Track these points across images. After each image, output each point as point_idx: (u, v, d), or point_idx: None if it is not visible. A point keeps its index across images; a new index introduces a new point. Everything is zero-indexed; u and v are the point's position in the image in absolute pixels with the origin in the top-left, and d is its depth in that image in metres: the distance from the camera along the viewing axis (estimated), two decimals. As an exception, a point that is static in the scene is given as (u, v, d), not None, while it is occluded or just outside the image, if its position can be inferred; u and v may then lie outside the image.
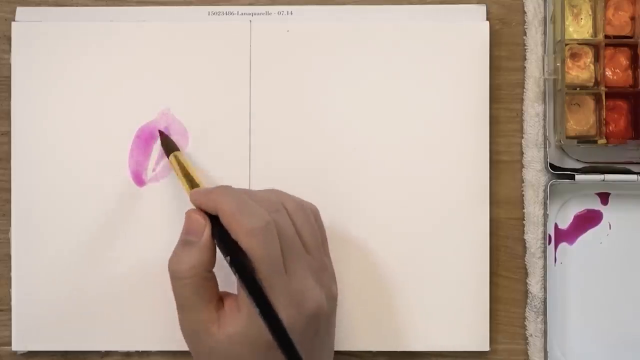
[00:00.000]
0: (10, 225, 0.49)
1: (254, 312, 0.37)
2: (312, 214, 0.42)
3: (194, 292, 0.39)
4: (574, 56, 0.48)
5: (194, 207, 0.42)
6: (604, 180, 0.48)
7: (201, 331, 0.39)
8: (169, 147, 0.48)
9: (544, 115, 0.49)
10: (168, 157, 0.47)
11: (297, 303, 0.38)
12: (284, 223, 0.39)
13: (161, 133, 0.48)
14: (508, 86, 0.50)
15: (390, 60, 0.49)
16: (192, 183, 0.44)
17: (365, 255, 0.49)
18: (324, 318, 0.40)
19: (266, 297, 0.36)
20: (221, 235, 0.39)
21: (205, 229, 0.39)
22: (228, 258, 0.38)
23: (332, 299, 0.42)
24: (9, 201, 0.49)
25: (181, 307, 0.40)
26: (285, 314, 0.37)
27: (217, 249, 0.40)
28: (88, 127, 0.49)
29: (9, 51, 0.49)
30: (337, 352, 0.48)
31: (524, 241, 0.50)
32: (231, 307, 0.39)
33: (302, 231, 0.41)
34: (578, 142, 0.48)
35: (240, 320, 0.38)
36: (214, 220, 0.40)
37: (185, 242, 0.40)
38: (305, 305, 0.39)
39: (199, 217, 0.40)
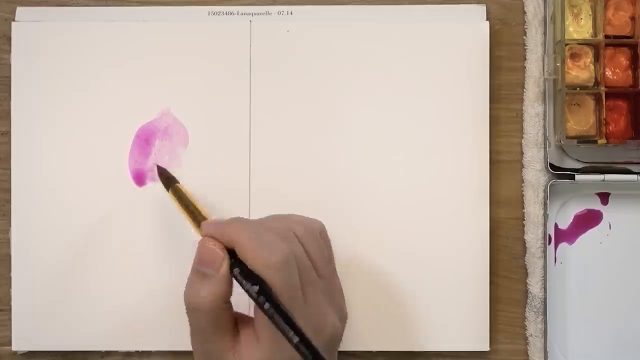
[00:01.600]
0: (10, 225, 0.49)
1: (275, 341, 0.37)
2: (319, 235, 0.42)
3: (212, 324, 0.39)
4: (574, 56, 0.48)
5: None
6: (604, 180, 0.48)
7: (216, 358, 0.39)
8: (169, 179, 0.46)
9: (544, 115, 0.49)
10: (167, 190, 0.46)
11: (316, 331, 0.39)
12: (297, 252, 0.39)
13: (158, 167, 0.47)
14: (508, 86, 0.50)
15: (390, 60, 0.49)
16: (195, 214, 0.43)
17: (365, 256, 0.49)
18: (338, 339, 0.41)
19: (295, 322, 0.36)
20: (241, 267, 0.38)
21: (223, 262, 0.38)
22: (256, 287, 0.37)
23: (343, 319, 0.42)
24: (9, 201, 0.49)
25: (197, 336, 0.39)
26: None
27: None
28: (88, 126, 0.49)
29: (9, 51, 0.49)
30: (337, 352, 0.48)
31: (524, 241, 0.50)
32: (248, 337, 0.39)
33: (313, 256, 0.40)
34: (578, 142, 0.48)
35: (259, 350, 0.38)
36: (231, 252, 0.39)
37: (200, 273, 0.39)
38: (324, 332, 0.39)
39: (216, 249, 0.38)
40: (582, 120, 0.48)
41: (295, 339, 0.36)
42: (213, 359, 0.39)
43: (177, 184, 0.46)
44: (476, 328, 0.49)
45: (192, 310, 0.39)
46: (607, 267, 0.50)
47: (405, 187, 0.49)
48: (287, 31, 0.49)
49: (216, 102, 0.49)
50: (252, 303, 0.37)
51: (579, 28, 0.48)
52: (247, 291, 0.37)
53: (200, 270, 0.39)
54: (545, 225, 0.49)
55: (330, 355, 0.40)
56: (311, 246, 0.40)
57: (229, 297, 0.39)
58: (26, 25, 0.49)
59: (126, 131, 0.49)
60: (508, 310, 0.50)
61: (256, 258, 0.37)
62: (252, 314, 0.40)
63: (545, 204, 0.49)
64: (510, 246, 0.50)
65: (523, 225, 0.50)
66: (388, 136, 0.49)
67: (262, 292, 0.37)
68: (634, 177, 0.49)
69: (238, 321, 0.40)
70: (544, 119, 0.49)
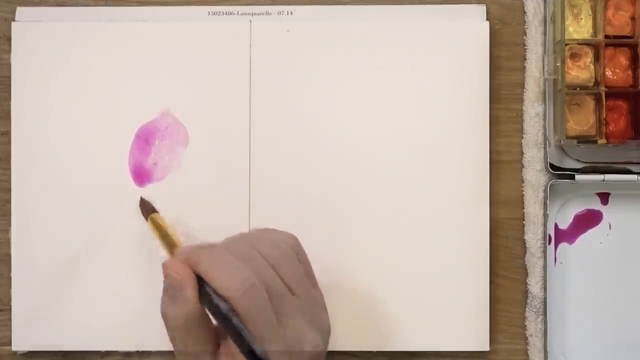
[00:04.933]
0: (10, 225, 0.49)
1: None
2: (288, 248, 0.41)
3: (188, 340, 0.38)
4: (574, 56, 0.48)
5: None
6: (604, 180, 0.48)
7: None
8: (147, 209, 0.47)
9: (544, 115, 0.49)
10: (146, 219, 0.47)
11: (295, 351, 0.38)
12: (264, 273, 0.38)
13: (141, 199, 0.48)
14: (508, 86, 0.50)
15: (390, 60, 0.49)
16: (170, 243, 0.44)
17: (365, 255, 0.49)
18: (318, 356, 0.40)
19: (259, 355, 0.35)
20: (206, 295, 0.38)
21: (183, 285, 0.38)
22: (220, 312, 0.37)
23: (325, 333, 0.41)
24: (9, 201, 0.49)
25: (176, 351, 0.40)
26: None
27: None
28: (88, 126, 0.49)
29: (9, 51, 0.49)
30: (337, 352, 0.48)
31: (524, 241, 0.50)
32: (227, 357, 0.38)
33: (284, 274, 0.39)
34: (578, 142, 0.48)
35: None
36: (200, 278, 0.39)
37: (168, 294, 0.39)
38: (303, 351, 0.38)
39: (174, 275, 0.38)
40: (582, 120, 0.48)
41: None
42: None
43: (155, 214, 0.47)
44: (476, 328, 0.49)
45: (168, 327, 0.39)
46: (607, 267, 0.50)
47: (405, 188, 0.49)
48: (287, 31, 0.49)
49: (216, 102, 0.49)
50: None
51: (579, 28, 0.48)
52: (214, 318, 0.37)
53: (168, 291, 0.39)
54: (545, 225, 0.49)
55: None
56: (281, 264, 0.40)
57: (202, 316, 0.38)
58: (26, 25, 0.49)
59: (126, 131, 0.49)
60: (508, 310, 0.50)
61: (220, 287, 0.37)
62: None
63: (545, 204, 0.49)
64: (510, 246, 0.50)
65: (523, 225, 0.50)
66: (388, 136, 0.49)
67: (223, 317, 0.37)
68: (634, 177, 0.49)
69: (220, 336, 0.39)
70: (544, 119, 0.49)
